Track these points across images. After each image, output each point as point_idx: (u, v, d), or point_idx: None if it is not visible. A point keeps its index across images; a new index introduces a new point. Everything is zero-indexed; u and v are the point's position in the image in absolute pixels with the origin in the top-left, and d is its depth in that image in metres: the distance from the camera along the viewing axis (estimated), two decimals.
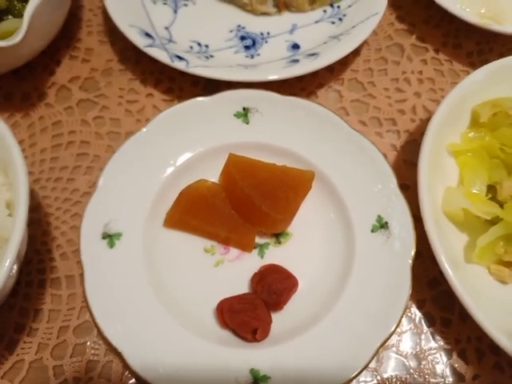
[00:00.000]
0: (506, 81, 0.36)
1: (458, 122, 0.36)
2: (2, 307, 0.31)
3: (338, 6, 0.43)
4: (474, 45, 0.44)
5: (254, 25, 0.43)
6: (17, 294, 0.33)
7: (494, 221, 0.32)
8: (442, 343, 0.32)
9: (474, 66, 0.43)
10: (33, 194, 0.36)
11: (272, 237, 0.34)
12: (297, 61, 0.39)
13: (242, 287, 0.32)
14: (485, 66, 0.35)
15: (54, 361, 0.31)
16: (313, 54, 0.39)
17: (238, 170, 0.34)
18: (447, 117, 0.34)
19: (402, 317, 0.29)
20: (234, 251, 0.34)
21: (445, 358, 0.32)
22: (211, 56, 0.40)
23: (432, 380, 0.31)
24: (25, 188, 0.28)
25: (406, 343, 0.32)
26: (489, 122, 0.35)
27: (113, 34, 0.43)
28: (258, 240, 0.34)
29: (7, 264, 0.26)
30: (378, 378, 0.31)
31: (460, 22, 0.40)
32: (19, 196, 0.28)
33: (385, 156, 0.34)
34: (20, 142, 0.36)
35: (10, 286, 0.30)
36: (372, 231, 0.32)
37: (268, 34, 0.43)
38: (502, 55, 0.38)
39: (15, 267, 0.30)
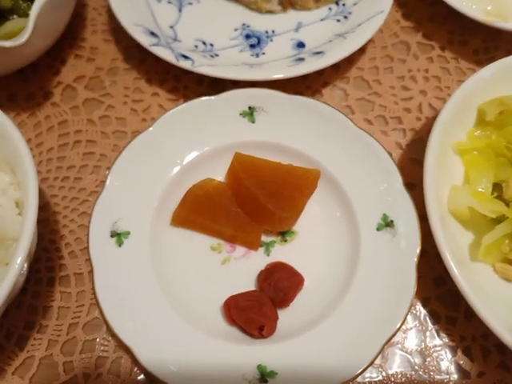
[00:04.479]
0: None
1: (464, 120, 0.36)
2: (11, 305, 0.32)
3: (344, 4, 0.43)
4: (481, 42, 0.44)
5: (259, 23, 0.43)
6: (26, 292, 0.33)
7: (500, 219, 0.32)
8: (447, 340, 0.33)
9: (481, 63, 0.43)
10: (41, 193, 0.36)
11: (278, 235, 0.35)
12: (302, 59, 0.39)
13: (249, 285, 0.33)
14: (491, 64, 0.35)
15: (63, 357, 0.32)
16: (318, 53, 0.39)
17: (244, 169, 0.34)
18: (453, 115, 0.34)
19: (407, 314, 0.30)
20: (240, 249, 0.34)
21: (450, 355, 0.32)
22: (216, 55, 0.40)
23: (437, 377, 0.32)
24: (34, 187, 0.29)
25: (411, 340, 0.33)
26: (495, 120, 0.35)
27: (117, 32, 0.43)
28: (264, 238, 0.34)
29: (19, 261, 0.27)
30: (384, 374, 0.32)
31: (466, 19, 0.40)
32: (28, 195, 0.28)
33: (390, 154, 0.34)
34: (27, 142, 0.36)
35: (20, 284, 0.30)
36: (377, 229, 0.33)
37: (273, 32, 0.42)
38: (508, 53, 0.38)
39: (25, 265, 0.30)
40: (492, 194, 0.33)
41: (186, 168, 0.35)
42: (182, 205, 0.34)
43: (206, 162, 0.35)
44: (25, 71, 0.41)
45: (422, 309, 0.34)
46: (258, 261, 0.33)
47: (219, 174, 0.36)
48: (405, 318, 0.30)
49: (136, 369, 0.32)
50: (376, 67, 0.43)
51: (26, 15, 0.36)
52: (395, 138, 0.40)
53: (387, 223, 0.33)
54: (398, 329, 0.29)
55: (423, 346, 0.32)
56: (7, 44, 0.33)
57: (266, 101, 0.36)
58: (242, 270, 0.33)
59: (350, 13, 0.43)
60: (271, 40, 0.42)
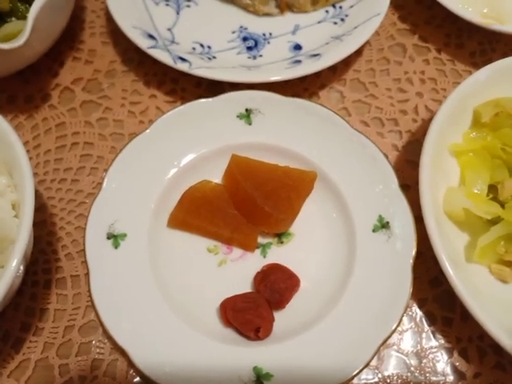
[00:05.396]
0: (508, 81, 0.36)
1: (460, 122, 0.36)
2: (8, 307, 0.32)
3: (341, 7, 0.44)
4: (477, 45, 0.44)
5: (257, 25, 0.43)
6: (23, 294, 0.33)
7: (495, 220, 0.32)
8: (443, 342, 0.33)
9: (477, 66, 0.43)
10: (38, 195, 0.37)
11: (274, 237, 0.35)
12: (299, 61, 0.39)
13: (245, 286, 0.33)
14: (487, 66, 0.35)
15: (59, 360, 0.32)
16: (315, 55, 0.39)
17: (241, 171, 0.35)
18: (449, 117, 0.34)
19: (402, 316, 0.30)
20: (236, 251, 0.34)
21: (446, 357, 0.32)
22: (214, 57, 0.41)
23: (433, 378, 0.32)
24: (30, 189, 0.29)
25: (407, 342, 0.33)
26: (491, 122, 0.35)
27: (115, 35, 0.44)
28: (261, 240, 0.34)
29: (14, 264, 0.27)
30: (380, 375, 0.32)
31: (462, 21, 0.40)
32: (25, 197, 0.28)
33: (386, 156, 0.34)
34: (24, 144, 0.36)
35: (16, 286, 0.31)
36: (373, 231, 0.33)
37: (270, 34, 0.43)
38: (504, 55, 0.38)
39: (21, 267, 0.30)
40: (487, 195, 0.34)
41: (183, 170, 0.35)
42: (178, 207, 0.34)
43: (203, 163, 0.35)
44: (24, 73, 0.41)
45: (417, 310, 0.34)
46: (255, 262, 0.33)
47: (216, 176, 0.36)
48: (400, 320, 0.30)
49: (132, 371, 0.31)
50: (372, 69, 0.43)
51: (25, 17, 0.36)
52: (391, 140, 0.40)
53: (383, 224, 0.33)
54: (394, 330, 0.29)
55: (419, 348, 0.32)
56: (5, 46, 0.33)
57: (263, 103, 0.36)
58: (238, 271, 0.33)
59: (346, 15, 0.43)
60: (268, 42, 0.42)
